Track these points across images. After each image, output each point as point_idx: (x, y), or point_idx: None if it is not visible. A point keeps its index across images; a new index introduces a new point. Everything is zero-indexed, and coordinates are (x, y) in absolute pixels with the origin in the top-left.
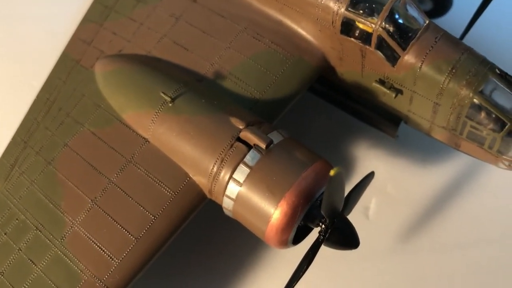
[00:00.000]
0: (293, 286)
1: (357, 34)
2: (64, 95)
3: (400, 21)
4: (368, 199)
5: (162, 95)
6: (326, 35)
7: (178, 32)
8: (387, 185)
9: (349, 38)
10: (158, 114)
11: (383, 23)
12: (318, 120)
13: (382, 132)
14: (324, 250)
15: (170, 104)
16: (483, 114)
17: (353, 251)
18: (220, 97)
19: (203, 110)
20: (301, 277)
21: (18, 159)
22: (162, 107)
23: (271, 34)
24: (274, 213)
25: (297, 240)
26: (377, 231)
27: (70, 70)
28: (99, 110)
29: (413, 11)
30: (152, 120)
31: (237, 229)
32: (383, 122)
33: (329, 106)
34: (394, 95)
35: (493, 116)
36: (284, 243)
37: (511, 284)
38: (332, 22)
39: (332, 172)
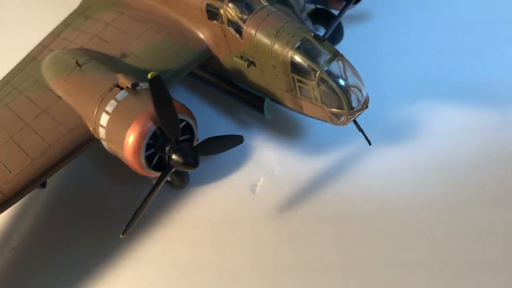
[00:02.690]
0: (147, 203)
1: (217, 17)
2: (18, 77)
3: (242, 1)
4: (257, 178)
5: (72, 59)
6: (203, 25)
7: (105, 33)
8: (275, 168)
9: (214, 22)
10: (69, 75)
11: (228, 3)
12: (221, 119)
13: (258, 112)
14: (210, 214)
15: (78, 68)
16: (301, 67)
17: (239, 219)
18: (117, 66)
19: (100, 71)
20: (152, 196)
21: None
22: (73, 70)
23: (168, 29)
24: (127, 134)
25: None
26: (260, 203)
27: (28, 63)
28: (37, 83)
29: None
30: (65, 80)
31: None
32: (254, 100)
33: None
34: (248, 66)
35: (308, 66)
36: (139, 165)
37: (368, 251)
38: (201, 11)
39: (150, 75)
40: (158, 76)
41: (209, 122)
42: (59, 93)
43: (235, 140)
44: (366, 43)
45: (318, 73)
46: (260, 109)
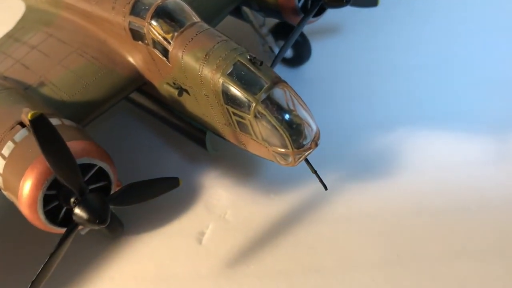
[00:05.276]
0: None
1: (142, 37)
2: None
3: (167, 17)
4: (206, 225)
5: None
6: (131, 46)
7: (28, 57)
8: (227, 212)
9: (139, 43)
10: None
11: (151, 20)
12: (168, 151)
13: (201, 147)
14: (147, 270)
15: None
16: (235, 97)
17: (180, 276)
18: (30, 98)
19: (7, 104)
20: (55, 259)
21: None
22: None
23: (94, 51)
24: (21, 184)
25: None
26: (207, 257)
27: None
28: None
29: (181, 11)
30: None
31: None
32: (196, 133)
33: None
34: (180, 95)
35: (242, 97)
36: (39, 220)
37: None
38: (125, 30)
39: (30, 116)
40: (41, 115)
41: (154, 154)
42: None
43: (167, 185)
44: (336, 62)
45: (253, 104)
46: (202, 143)
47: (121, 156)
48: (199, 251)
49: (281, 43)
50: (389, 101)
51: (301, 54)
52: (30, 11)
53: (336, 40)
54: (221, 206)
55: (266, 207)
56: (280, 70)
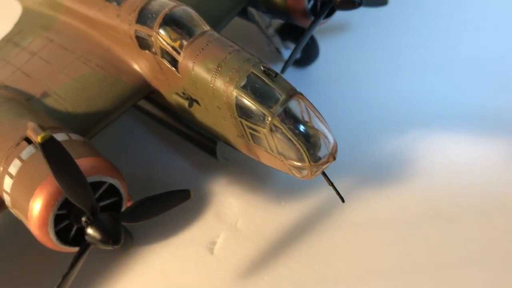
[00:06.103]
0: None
1: (149, 46)
2: None
3: (176, 26)
4: (217, 234)
5: None
6: (137, 54)
7: (29, 65)
8: (238, 220)
9: (146, 51)
10: None
11: (159, 29)
12: (177, 158)
13: (211, 156)
14: (157, 283)
15: None
16: (249, 111)
17: (192, 286)
18: (34, 110)
19: (10, 117)
20: (70, 274)
21: None
22: None
23: (98, 58)
24: (30, 204)
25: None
26: (219, 267)
27: None
28: None
29: (190, 19)
30: None
31: None
32: (206, 142)
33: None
34: (190, 106)
35: (257, 110)
36: (50, 241)
37: None
38: (131, 38)
39: (40, 138)
40: (52, 138)
41: (162, 162)
42: None
43: (179, 197)
44: (343, 61)
45: (269, 118)
46: (213, 153)
47: (127, 164)
48: (210, 261)
49: (288, 43)
50: (399, 102)
51: (309, 55)
52: (27, 13)
53: (343, 39)
54: (232, 215)
55: (278, 215)
56: (287, 70)
